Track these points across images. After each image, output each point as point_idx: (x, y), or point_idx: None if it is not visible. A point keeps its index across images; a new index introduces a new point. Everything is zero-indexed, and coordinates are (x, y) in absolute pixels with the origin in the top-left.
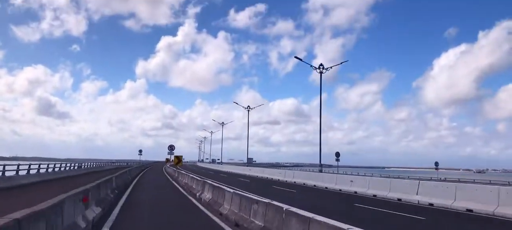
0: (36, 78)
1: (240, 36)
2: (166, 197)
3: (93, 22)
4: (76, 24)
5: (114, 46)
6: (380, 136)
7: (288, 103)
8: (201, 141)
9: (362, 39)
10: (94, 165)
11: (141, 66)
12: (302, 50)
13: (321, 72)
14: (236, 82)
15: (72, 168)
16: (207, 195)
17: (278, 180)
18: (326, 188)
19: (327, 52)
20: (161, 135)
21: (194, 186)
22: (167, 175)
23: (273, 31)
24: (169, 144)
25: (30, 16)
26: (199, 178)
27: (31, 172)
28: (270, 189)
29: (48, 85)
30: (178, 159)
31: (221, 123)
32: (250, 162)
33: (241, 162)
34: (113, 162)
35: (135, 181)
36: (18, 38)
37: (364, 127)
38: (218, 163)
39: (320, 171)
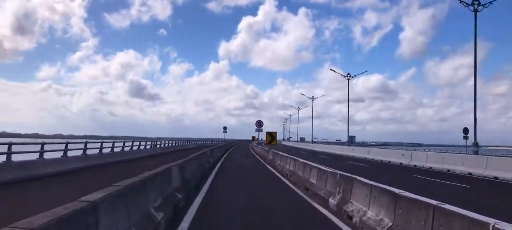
0: (128, 62)
1: (321, 11)
2: (271, 204)
3: (178, 6)
4: (162, 9)
5: (197, 29)
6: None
7: (372, 80)
8: (286, 119)
9: (454, 8)
10: (169, 144)
11: (223, 48)
12: (388, 23)
13: (475, 10)
14: (317, 59)
15: (144, 147)
16: (359, 206)
17: (401, 163)
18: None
19: (415, 23)
20: (244, 114)
21: (313, 181)
22: (258, 157)
23: (356, 4)
24: (257, 120)
25: (121, 3)
26: (318, 166)
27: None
28: (416, 180)
29: (139, 68)
30: (272, 136)
31: (311, 97)
32: (352, 141)
33: (325, 140)
34: (196, 141)
35: (217, 166)
36: (110, 25)
37: (458, 103)
38: (307, 141)
39: (476, 152)
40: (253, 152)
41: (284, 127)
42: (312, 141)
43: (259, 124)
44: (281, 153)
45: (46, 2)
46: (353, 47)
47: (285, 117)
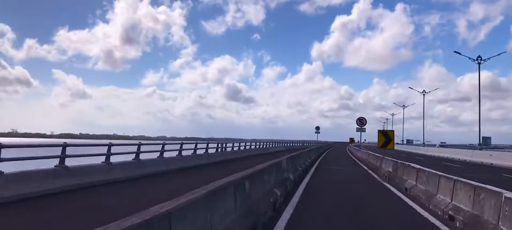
0: (224, 67)
1: (420, 6)
2: None
3: (270, 10)
4: (255, 14)
5: (290, 31)
6: None
7: (481, 77)
8: (387, 119)
9: None
10: (250, 146)
11: (316, 49)
12: (497, 15)
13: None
14: (417, 57)
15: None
16: None
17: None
18: None
19: None
20: (338, 116)
21: None
22: (364, 166)
23: None
24: (359, 117)
25: (216, 10)
26: None
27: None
28: None
29: (234, 73)
30: (387, 136)
31: (422, 91)
32: (486, 143)
33: (419, 142)
34: (285, 143)
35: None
36: (207, 32)
37: None
38: (415, 144)
39: None
40: (358, 162)
41: (383, 127)
42: (440, 143)
43: (361, 122)
44: (408, 163)
45: (150, 13)
46: (458, 43)
47: (386, 116)
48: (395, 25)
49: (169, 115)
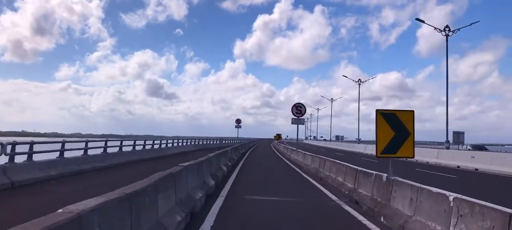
0: (145, 61)
1: (338, 9)
2: None
3: (193, 5)
4: (177, 9)
5: (213, 28)
6: (496, 110)
7: (390, 78)
8: (307, 119)
9: (474, 4)
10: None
11: (239, 47)
12: (405, 20)
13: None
14: (334, 58)
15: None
16: None
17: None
18: None
19: (433, 20)
20: (261, 113)
21: None
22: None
23: (373, 1)
24: (296, 104)
25: (136, 3)
26: None
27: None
28: None
29: (156, 68)
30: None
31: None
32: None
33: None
34: (196, 139)
35: None
36: (127, 25)
37: (478, 101)
38: (321, 139)
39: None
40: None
41: (305, 125)
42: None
43: (299, 110)
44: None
45: (64, 2)
46: (370, 45)
47: (307, 115)
48: (314, 26)
49: (86, 111)
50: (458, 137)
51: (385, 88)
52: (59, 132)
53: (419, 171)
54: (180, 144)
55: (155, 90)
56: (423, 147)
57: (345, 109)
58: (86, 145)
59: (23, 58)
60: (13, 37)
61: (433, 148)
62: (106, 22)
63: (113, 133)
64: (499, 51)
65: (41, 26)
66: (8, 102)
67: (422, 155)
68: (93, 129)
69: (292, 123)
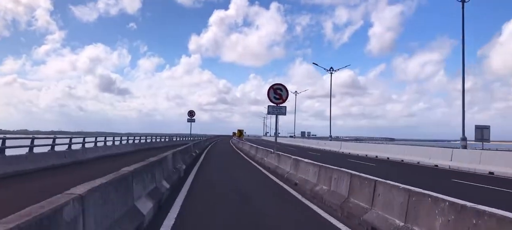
0: (96, 56)
1: (293, 7)
2: None
3: None
4: (130, 2)
5: (168, 22)
6: (442, 107)
7: (343, 76)
8: (265, 116)
9: (422, 5)
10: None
11: (194, 42)
12: (358, 19)
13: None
14: (289, 55)
15: None
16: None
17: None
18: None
19: (384, 19)
20: (217, 109)
21: None
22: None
23: (327, 1)
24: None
25: None
26: None
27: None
28: None
29: (108, 62)
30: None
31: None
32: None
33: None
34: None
35: None
36: (77, 18)
37: (425, 99)
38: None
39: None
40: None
41: (264, 122)
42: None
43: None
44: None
45: None
46: (324, 44)
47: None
48: (270, 23)
49: (33, 106)
50: (482, 133)
51: (338, 86)
52: (2, 128)
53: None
54: (110, 144)
55: (107, 85)
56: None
57: (300, 106)
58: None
59: None
60: None
61: (447, 148)
62: (55, 14)
63: (63, 130)
64: (445, 51)
65: None
66: None
67: (427, 156)
68: (41, 125)
69: (268, 113)
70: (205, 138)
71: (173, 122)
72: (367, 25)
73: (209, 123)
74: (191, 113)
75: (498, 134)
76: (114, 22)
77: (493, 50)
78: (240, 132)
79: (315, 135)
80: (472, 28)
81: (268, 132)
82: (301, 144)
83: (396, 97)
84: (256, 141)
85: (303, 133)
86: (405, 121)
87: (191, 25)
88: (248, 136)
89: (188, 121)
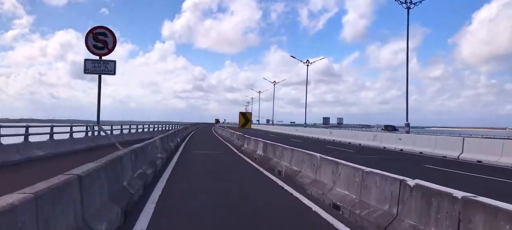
0: (68, 42)
1: None
2: None
3: None
4: None
5: (140, 7)
6: (414, 95)
7: (318, 63)
8: (248, 103)
9: None
10: None
11: (167, 28)
12: (333, 7)
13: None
14: (264, 42)
15: None
16: None
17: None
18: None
19: (358, 7)
20: (193, 97)
21: None
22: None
23: None
24: None
25: None
26: None
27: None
28: None
29: (80, 48)
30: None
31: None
32: (326, 123)
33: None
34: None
35: None
36: (45, 2)
37: (398, 86)
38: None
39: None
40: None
41: (245, 109)
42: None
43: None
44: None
45: None
46: (299, 31)
47: (248, 99)
48: (245, 9)
49: (3, 94)
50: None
51: (313, 73)
52: None
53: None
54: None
55: (79, 72)
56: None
57: (276, 94)
58: None
59: None
60: None
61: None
62: None
63: (33, 117)
64: (416, 39)
65: None
66: None
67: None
68: (10, 113)
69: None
70: (183, 126)
71: (148, 109)
72: (342, 12)
73: (186, 110)
74: None
75: (466, 120)
76: (84, 7)
77: (464, 39)
78: (217, 120)
79: (293, 122)
80: (444, 17)
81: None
82: (282, 131)
83: (369, 84)
84: (235, 128)
85: (268, 120)
86: (378, 108)
87: (165, 11)
88: (228, 123)
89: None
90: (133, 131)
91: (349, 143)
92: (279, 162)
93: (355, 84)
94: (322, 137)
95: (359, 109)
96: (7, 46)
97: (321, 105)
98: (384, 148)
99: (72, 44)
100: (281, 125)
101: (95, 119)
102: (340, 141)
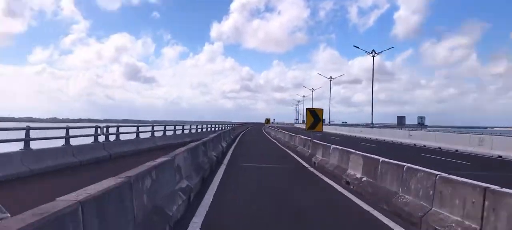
0: (122, 45)
1: None
2: None
3: None
4: None
5: (189, 10)
6: (474, 93)
7: (369, 61)
8: (299, 101)
9: None
10: None
11: (215, 29)
12: (384, 3)
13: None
14: (312, 40)
15: None
16: None
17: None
18: None
19: (411, 2)
20: (240, 97)
21: None
22: None
23: None
24: None
25: None
26: None
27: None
28: None
29: (133, 51)
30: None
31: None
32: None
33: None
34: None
35: None
36: (100, 7)
37: (456, 84)
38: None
39: None
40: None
41: (296, 109)
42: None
43: None
44: None
45: None
46: (349, 28)
47: (299, 98)
48: (292, 8)
49: (63, 95)
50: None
51: (364, 71)
52: (34, 117)
53: None
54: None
55: (133, 74)
56: None
57: (326, 93)
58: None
59: None
60: None
61: None
62: (79, 4)
63: (91, 118)
64: (475, 35)
65: (11, 8)
66: None
67: None
68: (70, 113)
69: None
70: (231, 126)
71: (198, 110)
72: (393, 8)
73: (234, 110)
74: None
75: None
76: (136, 11)
77: None
78: (268, 120)
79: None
80: (505, 10)
81: (297, 119)
82: (340, 132)
83: (425, 83)
84: (291, 128)
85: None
86: (435, 107)
87: (213, 12)
88: (277, 123)
89: None
90: (169, 133)
91: (439, 148)
92: (418, 204)
93: (410, 83)
94: (397, 140)
95: (415, 108)
96: (66, 50)
97: (374, 104)
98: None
99: (126, 47)
100: (335, 124)
101: (148, 119)
102: (425, 146)
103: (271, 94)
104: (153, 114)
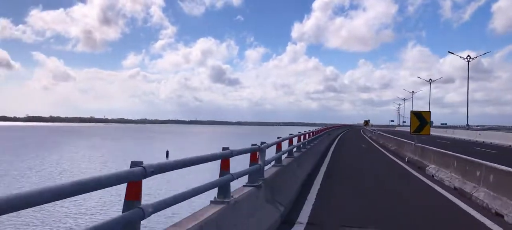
0: (208, 48)
1: None
2: None
3: None
4: None
5: (271, 11)
6: None
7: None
8: (400, 104)
9: None
10: None
11: (297, 29)
12: None
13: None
14: (400, 38)
15: None
16: None
17: None
18: None
19: None
20: (324, 97)
21: None
22: None
23: None
24: None
25: None
26: None
27: None
28: None
29: (218, 54)
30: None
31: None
32: None
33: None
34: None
35: None
36: (185, 13)
37: None
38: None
39: None
40: None
41: (398, 111)
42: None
43: None
44: None
45: None
46: (440, 24)
47: (399, 101)
48: (378, 4)
49: (155, 98)
50: None
51: (457, 69)
52: (125, 118)
53: None
54: None
55: (218, 76)
56: None
57: (418, 94)
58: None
59: (93, 48)
60: (84, 28)
61: None
62: (166, 10)
63: (179, 119)
64: None
65: (107, 16)
66: (85, 90)
67: None
68: (159, 115)
69: None
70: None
71: (282, 111)
72: (492, 1)
73: (318, 111)
74: None
75: None
76: (220, 15)
77: None
78: (366, 122)
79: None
80: None
81: (404, 121)
82: (447, 135)
83: None
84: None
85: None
86: None
87: (294, 13)
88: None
89: None
90: None
91: None
92: None
93: (511, 81)
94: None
95: None
96: (157, 55)
97: (469, 105)
98: None
99: (211, 51)
100: (434, 127)
101: (232, 120)
102: None
103: (357, 95)
104: (238, 115)
